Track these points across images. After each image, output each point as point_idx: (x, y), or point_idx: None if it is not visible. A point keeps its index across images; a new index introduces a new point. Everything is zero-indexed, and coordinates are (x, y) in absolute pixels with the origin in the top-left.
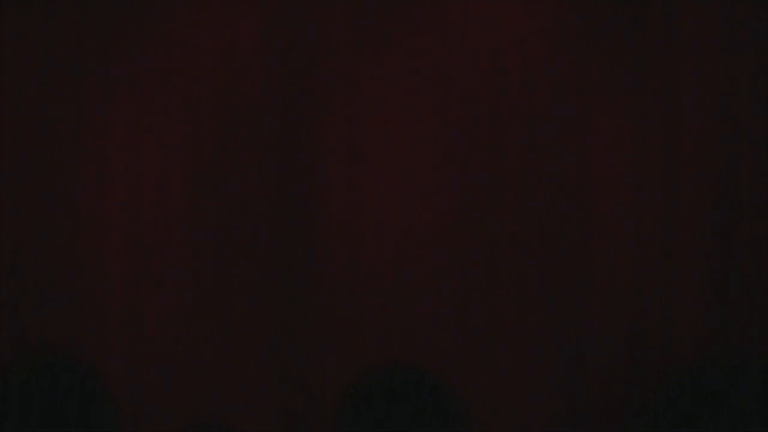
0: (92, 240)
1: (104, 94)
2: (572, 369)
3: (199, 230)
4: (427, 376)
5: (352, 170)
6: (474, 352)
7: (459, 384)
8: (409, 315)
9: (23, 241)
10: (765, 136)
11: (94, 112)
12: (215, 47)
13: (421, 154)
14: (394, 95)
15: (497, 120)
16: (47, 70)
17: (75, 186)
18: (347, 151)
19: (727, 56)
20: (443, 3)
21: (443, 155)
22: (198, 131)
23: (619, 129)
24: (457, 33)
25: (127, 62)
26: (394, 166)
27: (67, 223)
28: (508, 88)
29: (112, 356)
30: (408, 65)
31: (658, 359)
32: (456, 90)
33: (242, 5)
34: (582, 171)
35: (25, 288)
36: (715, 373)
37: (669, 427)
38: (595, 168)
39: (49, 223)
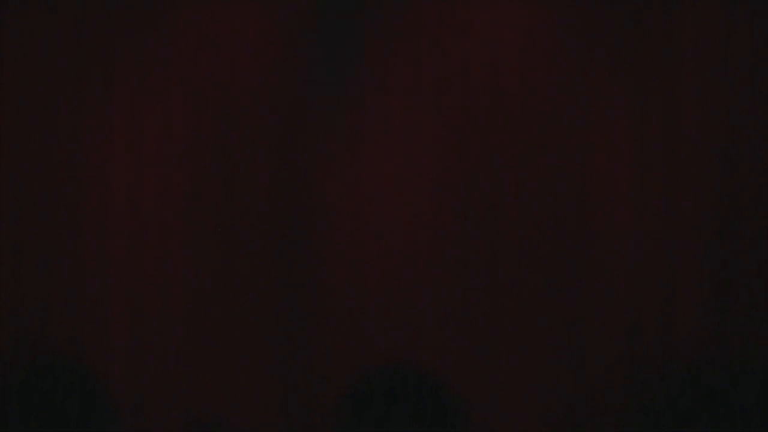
0: (93, 240)
1: (104, 94)
2: (572, 369)
3: (199, 230)
4: (427, 376)
5: (352, 170)
6: (474, 352)
7: (459, 384)
8: (409, 315)
9: (23, 241)
10: (765, 136)
11: (94, 112)
12: (215, 47)
13: (421, 154)
14: (395, 95)
15: (497, 120)
16: (47, 70)
17: (75, 186)
18: (347, 151)
19: (727, 56)
20: (444, 4)
21: (444, 155)
22: (198, 131)
23: (619, 129)
24: (457, 34)
25: (127, 62)
26: (394, 166)
27: (67, 223)
28: (508, 89)
29: (112, 356)
30: (408, 66)
31: (658, 359)
32: (456, 90)
33: (242, 5)
34: (582, 172)
35: (25, 288)
36: (715, 373)
37: (669, 427)
38: (595, 169)
39: (49, 223)
